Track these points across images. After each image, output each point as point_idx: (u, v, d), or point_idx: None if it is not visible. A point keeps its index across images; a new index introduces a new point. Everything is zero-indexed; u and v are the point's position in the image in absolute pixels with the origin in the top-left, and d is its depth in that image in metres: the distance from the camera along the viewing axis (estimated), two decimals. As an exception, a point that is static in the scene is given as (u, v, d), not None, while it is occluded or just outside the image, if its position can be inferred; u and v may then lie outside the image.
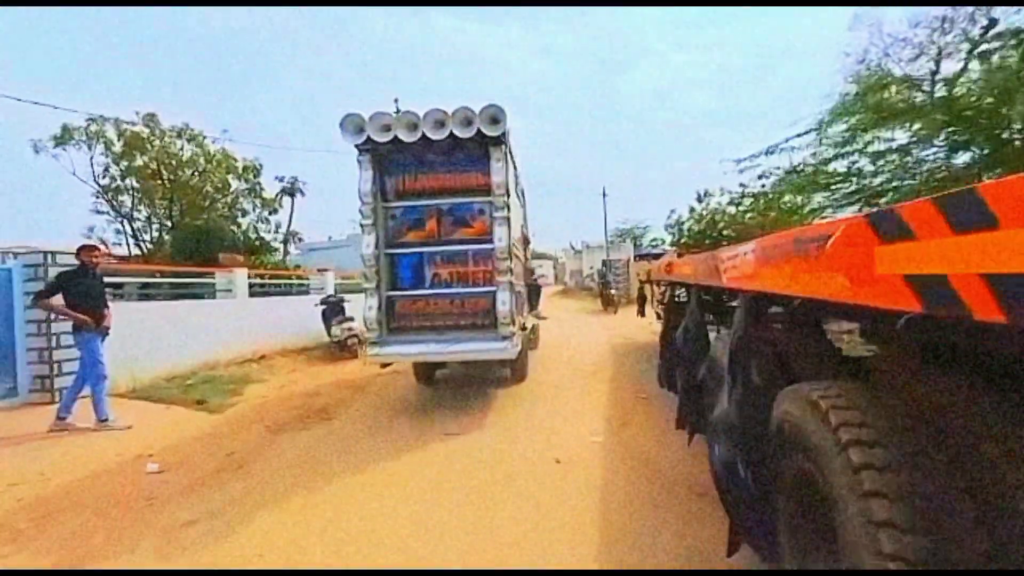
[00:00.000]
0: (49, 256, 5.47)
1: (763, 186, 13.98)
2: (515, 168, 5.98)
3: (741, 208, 18.09)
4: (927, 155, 10.52)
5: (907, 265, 0.97)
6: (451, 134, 4.85)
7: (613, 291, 18.69)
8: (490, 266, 5.20)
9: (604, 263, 23.02)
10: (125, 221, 18.17)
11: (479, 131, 4.84)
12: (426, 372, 6.36)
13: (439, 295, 5.31)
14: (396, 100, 19.03)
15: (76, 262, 4.96)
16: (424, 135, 4.84)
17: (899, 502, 1.08)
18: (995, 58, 9.71)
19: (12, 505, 3.28)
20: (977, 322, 0.83)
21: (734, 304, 2.71)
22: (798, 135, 11.40)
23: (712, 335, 3.37)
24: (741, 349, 1.98)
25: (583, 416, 4.84)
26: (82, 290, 4.74)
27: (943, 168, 10.21)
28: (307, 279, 12.71)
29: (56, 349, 5.30)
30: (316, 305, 9.79)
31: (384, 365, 5.67)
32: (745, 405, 1.93)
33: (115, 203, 17.62)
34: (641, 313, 10.77)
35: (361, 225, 5.25)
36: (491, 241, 5.18)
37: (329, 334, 9.55)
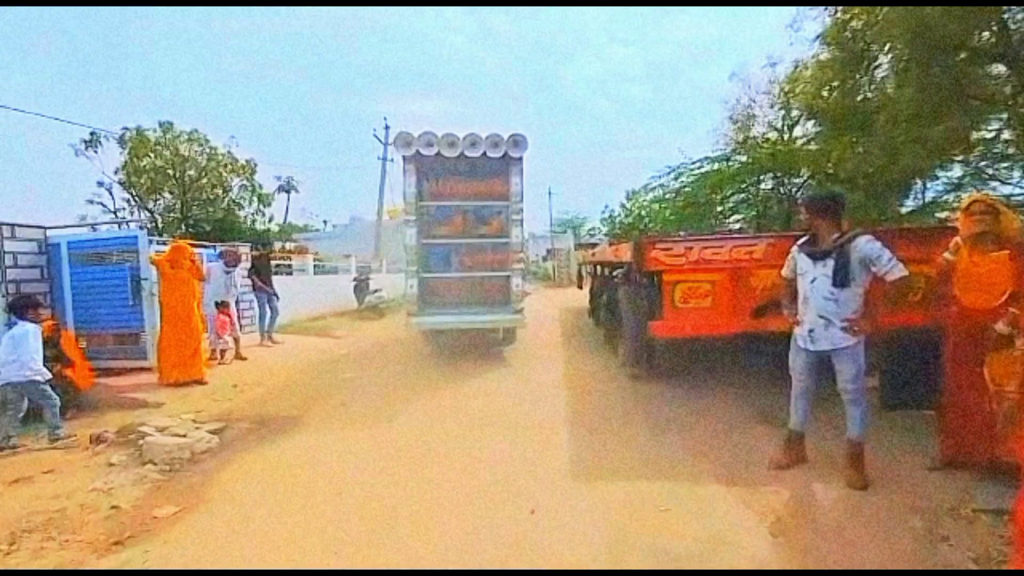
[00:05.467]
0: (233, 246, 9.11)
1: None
2: None
3: (663, 206, 22.88)
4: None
5: (619, 256, 5.34)
6: (483, 152, 6.14)
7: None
8: (505, 256, 6.54)
9: (547, 251, 29.64)
10: (138, 210, 20.69)
11: (505, 152, 6.16)
12: (436, 336, 7.55)
13: (464, 277, 6.65)
14: (387, 125, 22.44)
15: (256, 253, 8.75)
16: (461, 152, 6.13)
17: (628, 313, 5.31)
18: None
19: (312, 360, 7.17)
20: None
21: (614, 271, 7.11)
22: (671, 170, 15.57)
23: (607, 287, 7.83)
24: (606, 279, 6.39)
25: (553, 335, 9.17)
26: (261, 271, 8.52)
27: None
28: (324, 262, 16.25)
29: (239, 303, 8.96)
30: (351, 281, 13.55)
31: None
32: (611, 294, 6.33)
33: (134, 195, 20.20)
34: (579, 287, 15.28)
35: (405, 221, 6.44)
36: (507, 237, 6.47)
37: (361, 302, 13.35)
